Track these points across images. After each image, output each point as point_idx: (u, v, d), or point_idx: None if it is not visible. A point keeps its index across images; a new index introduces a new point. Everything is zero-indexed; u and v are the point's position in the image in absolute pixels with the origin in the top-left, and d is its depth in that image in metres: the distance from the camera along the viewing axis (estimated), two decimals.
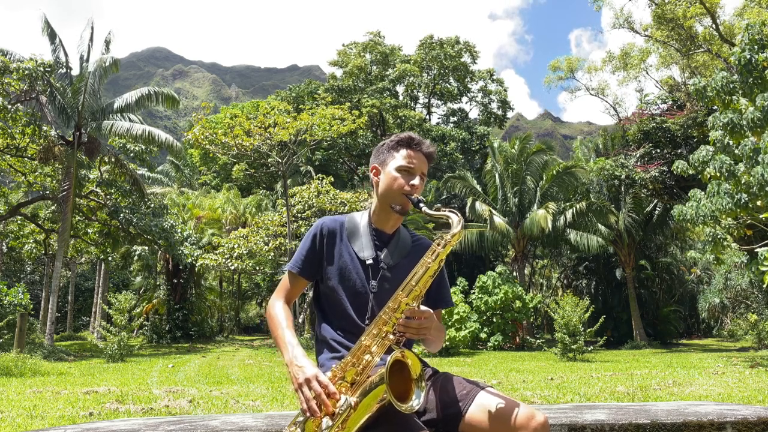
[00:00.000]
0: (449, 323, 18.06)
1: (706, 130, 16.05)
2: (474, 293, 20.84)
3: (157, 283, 27.22)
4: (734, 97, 11.02)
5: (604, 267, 27.01)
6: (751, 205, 10.55)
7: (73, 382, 8.67)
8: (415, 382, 1.54)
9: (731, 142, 10.89)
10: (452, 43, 36.64)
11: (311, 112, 20.62)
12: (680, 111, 23.16)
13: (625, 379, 8.49)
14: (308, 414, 1.55)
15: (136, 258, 27.59)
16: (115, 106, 19.75)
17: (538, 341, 21.57)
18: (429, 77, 37.55)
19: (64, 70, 19.24)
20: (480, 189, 24.98)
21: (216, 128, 21.83)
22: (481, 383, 1.75)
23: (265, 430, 2.14)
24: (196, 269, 24.21)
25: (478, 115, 39.08)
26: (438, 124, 38.04)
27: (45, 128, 17.99)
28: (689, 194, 12.20)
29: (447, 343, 16.90)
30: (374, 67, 37.16)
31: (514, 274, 22.92)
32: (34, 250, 25.06)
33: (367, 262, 1.85)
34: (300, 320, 21.52)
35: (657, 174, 21.87)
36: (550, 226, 21.99)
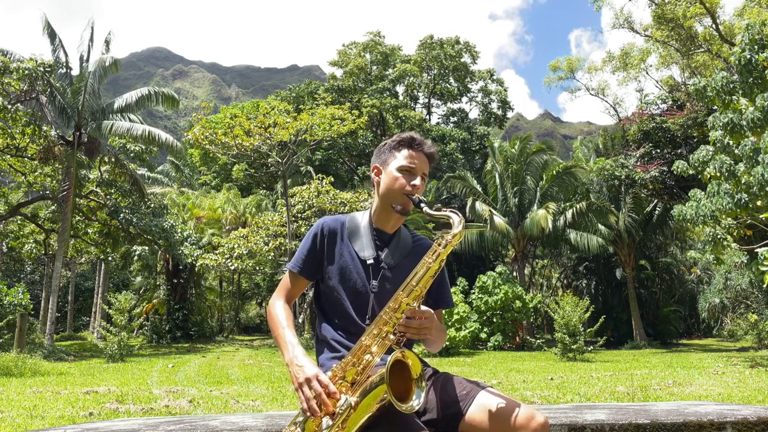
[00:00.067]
0: (449, 323, 18.07)
1: (706, 130, 16.06)
2: (474, 293, 20.84)
3: (157, 283, 27.22)
4: (734, 97, 11.01)
5: (604, 267, 27.01)
6: (751, 205, 10.55)
7: (73, 382, 8.67)
8: (415, 382, 1.54)
9: (731, 142, 10.89)
10: (452, 43, 36.64)
11: (311, 112, 20.62)
12: (680, 111, 23.15)
13: (625, 379, 8.49)
14: (308, 414, 1.55)
15: (136, 258, 27.59)
16: (115, 106, 19.74)
17: (538, 341, 21.57)
18: (429, 77, 37.55)
19: (64, 70, 19.24)
20: (480, 189, 24.98)
21: (216, 128, 21.84)
22: (482, 383, 1.75)
23: (265, 430, 2.13)
24: (196, 269, 24.21)
25: (478, 115, 39.09)
26: (438, 124, 38.03)
27: (45, 128, 17.99)
28: (689, 194, 12.20)
29: (447, 343, 16.89)
30: (374, 67, 37.16)
31: (514, 274, 22.92)
32: (34, 250, 25.06)
33: (368, 261, 1.85)
34: (300, 320, 21.50)
35: (657, 174, 21.87)
36: (550, 226, 21.99)
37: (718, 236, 11.59)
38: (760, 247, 12.21)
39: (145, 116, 35.84)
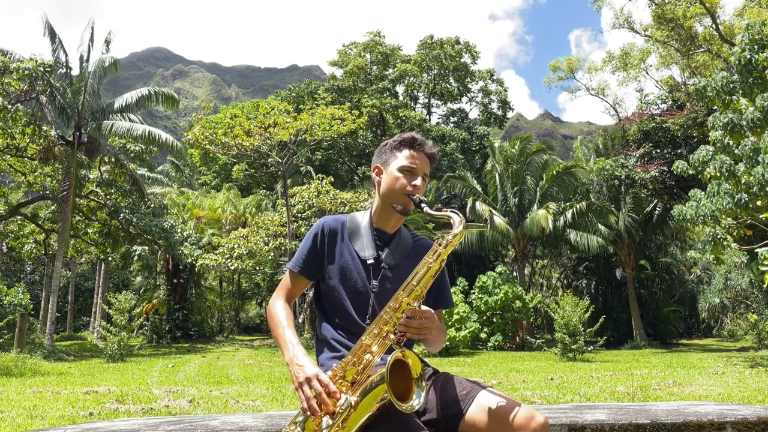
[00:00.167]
0: (449, 323, 18.06)
1: (706, 130, 16.06)
2: (474, 293, 20.84)
3: (157, 283, 27.22)
4: (734, 97, 11.01)
5: (604, 267, 27.01)
6: (751, 205, 10.55)
7: (73, 382, 8.67)
8: (415, 382, 1.54)
9: (731, 142, 10.89)
10: (452, 44, 36.64)
11: (311, 112, 20.62)
12: (680, 111, 23.15)
13: (625, 379, 8.50)
14: (308, 413, 1.55)
15: (136, 258, 27.59)
16: (116, 106, 19.75)
17: (538, 341, 21.57)
18: (429, 77, 37.55)
19: (64, 70, 19.24)
20: (480, 189, 24.98)
21: (216, 128, 21.84)
22: (482, 383, 1.75)
23: (265, 430, 2.14)
24: (196, 269, 24.21)
25: (478, 115, 39.08)
26: (438, 124, 38.04)
27: (45, 128, 17.99)
28: (689, 194, 12.20)
29: (447, 343, 16.89)
30: (374, 67, 37.16)
31: (514, 274, 22.92)
32: (34, 250, 25.06)
33: (368, 261, 1.86)
34: (300, 320, 21.50)
35: (657, 174, 21.87)
36: (550, 226, 21.99)
37: (718, 236, 11.59)
38: (760, 247, 12.21)
39: (145, 116, 35.84)
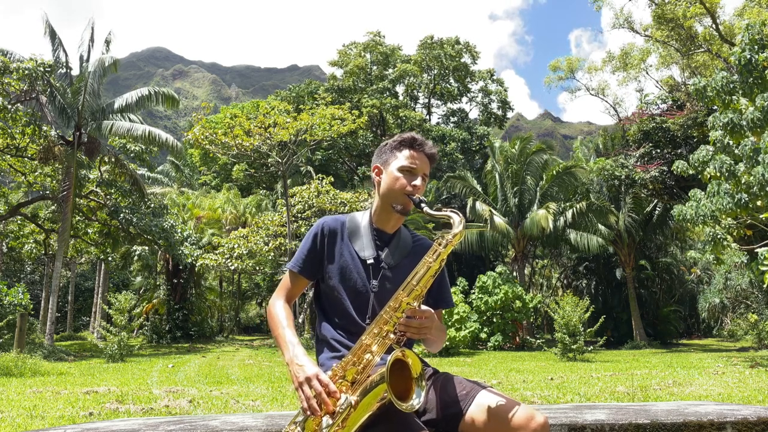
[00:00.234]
0: (449, 323, 18.06)
1: (706, 130, 16.05)
2: (474, 293, 20.83)
3: (157, 283, 27.22)
4: (734, 97, 11.01)
5: (604, 267, 27.01)
6: (751, 205, 10.55)
7: (73, 382, 8.67)
8: (415, 381, 1.54)
9: (731, 142, 10.89)
10: (452, 44, 36.64)
11: (311, 112, 20.62)
12: (680, 111, 23.15)
13: (625, 379, 8.50)
14: (308, 413, 1.55)
15: (136, 258, 27.59)
16: (116, 106, 19.75)
17: (538, 341, 21.57)
18: (429, 77, 37.55)
19: (64, 70, 19.24)
20: (480, 189, 24.98)
21: (216, 128, 21.84)
22: (482, 383, 1.75)
23: (265, 430, 2.14)
24: (196, 269, 24.21)
25: (478, 115, 39.09)
26: (438, 124, 38.04)
27: (45, 128, 17.99)
28: (689, 194, 12.20)
29: (447, 343, 16.89)
30: (374, 67, 37.16)
31: (514, 274, 22.92)
32: (34, 250, 25.06)
33: (368, 261, 1.86)
34: (300, 320, 21.50)
35: (657, 174, 21.87)
36: (551, 226, 21.99)
37: (718, 236, 11.59)
38: (760, 247, 12.21)
39: (145, 116, 35.84)
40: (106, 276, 28.78)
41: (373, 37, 37.50)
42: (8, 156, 19.61)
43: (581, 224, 23.30)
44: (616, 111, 31.73)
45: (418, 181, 1.84)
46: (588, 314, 15.05)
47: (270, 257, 21.63)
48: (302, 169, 30.06)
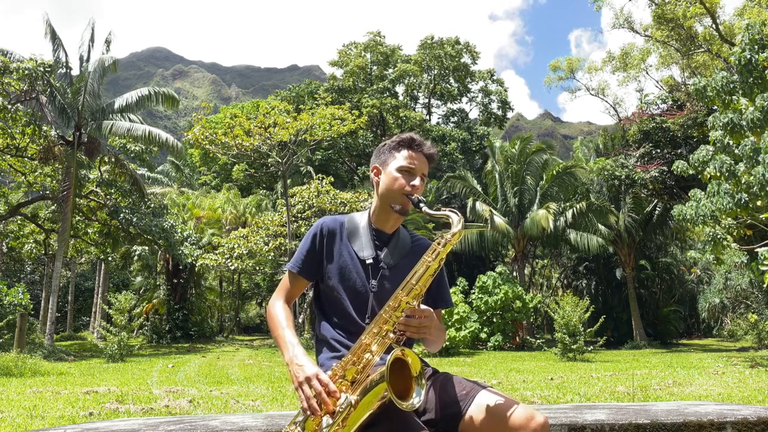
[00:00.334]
0: (449, 323, 18.06)
1: (706, 130, 16.05)
2: (474, 293, 20.83)
3: (157, 283, 27.22)
4: (734, 97, 11.01)
5: (604, 267, 27.00)
6: (751, 205, 10.55)
7: (73, 382, 8.67)
8: (415, 380, 1.54)
9: (731, 142, 10.89)
10: (452, 44, 36.64)
11: (311, 112, 20.62)
12: (680, 111, 23.15)
13: (625, 379, 8.49)
14: (308, 413, 1.55)
15: (136, 258, 27.59)
16: (116, 106, 19.75)
17: (538, 341, 21.57)
18: (429, 77, 37.55)
19: (64, 70, 19.25)
20: (480, 189, 24.98)
21: (216, 128, 21.84)
22: (481, 383, 1.75)
23: (265, 430, 2.14)
24: (196, 269, 24.21)
25: (478, 115, 39.09)
26: (438, 124, 38.04)
27: (45, 128, 18.00)
28: (689, 194, 12.20)
29: (447, 343, 16.88)
30: (374, 67, 37.16)
31: (514, 274, 22.92)
32: (34, 250, 25.06)
33: (367, 261, 1.86)
34: (300, 320, 21.51)
35: (657, 174, 21.87)
36: (551, 226, 21.99)
37: (718, 236, 11.58)
38: (760, 247, 12.21)
39: (145, 116, 35.83)
40: (106, 276, 28.78)
41: (373, 37, 37.50)
42: (8, 156, 19.61)
43: (581, 224, 23.30)
44: (616, 111, 31.74)
45: (416, 181, 1.84)
46: (588, 314, 15.05)
47: (270, 257, 21.63)
48: (302, 169, 30.07)
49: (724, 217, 11.36)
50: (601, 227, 22.77)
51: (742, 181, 10.42)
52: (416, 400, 1.51)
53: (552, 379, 8.96)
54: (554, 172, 23.43)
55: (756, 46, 10.70)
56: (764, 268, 11.39)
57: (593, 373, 9.80)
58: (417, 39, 47.69)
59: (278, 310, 1.86)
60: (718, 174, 10.82)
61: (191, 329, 25.20)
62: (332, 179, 23.05)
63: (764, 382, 7.69)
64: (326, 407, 1.53)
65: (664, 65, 27.97)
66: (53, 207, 21.55)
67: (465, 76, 37.45)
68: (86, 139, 18.78)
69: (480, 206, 23.20)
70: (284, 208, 21.27)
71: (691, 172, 11.82)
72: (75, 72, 19.86)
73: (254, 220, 24.71)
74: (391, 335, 1.61)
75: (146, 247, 25.37)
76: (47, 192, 20.85)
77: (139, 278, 31.53)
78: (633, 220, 23.15)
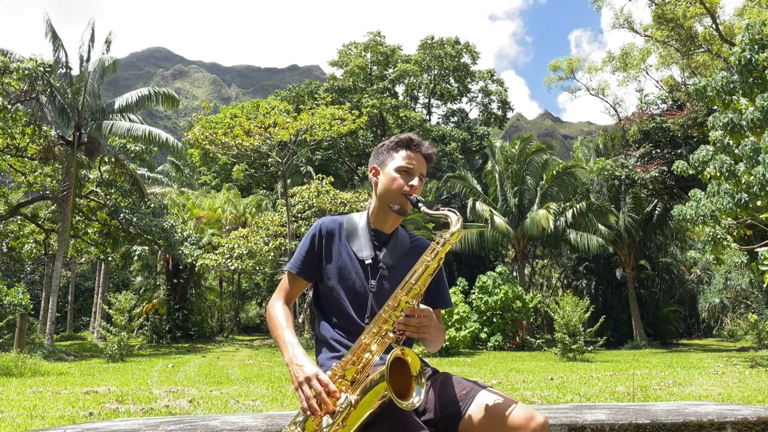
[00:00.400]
0: (449, 323, 18.06)
1: (706, 130, 16.05)
2: (474, 293, 20.83)
3: (157, 283, 27.22)
4: (734, 97, 11.01)
5: (604, 267, 27.00)
6: (751, 205, 10.55)
7: (73, 382, 8.67)
8: (415, 379, 1.54)
9: (731, 142, 10.89)
10: (452, 44, 36.64)
11: (311, 112, 20.62)
12: (680, 111, 23.14)
13: (625, 379, 8.49)
14: (308, 413, 1.55)
15: (136, 258, 27.59)
16: (116, 106, 19.75)
17: (538, 341, 21.56)
18: (429, 77, 37.55)
19: (64, 70, 19.25)
20: (480, 189, 24.98)
21: (216, 128, 21.84)
22: (481, 383, 1.75)
23: (265, 430, 2.14)
24: (196, 269, 24.21)
25: (478, 115, 39.09)
26: (438, 124, 38.04)
27: (45, 128, 17.99)
28: (689, 194, 12.20)
29: (447, 343, 16.89)
30: (374, 67, 37.16)
31: (514, 274, 22.92)
32: (34, 250, 25.06)
33: (366, 261, 1.86)
34: (300, 320, 21.51)
35: (657, 174, 21.87)
36: (551, 226, 21.99)
37: (718, 236, 11.58)
38: (760, 247, 12.21)
39: (145, 116, 35.84)
40: (106, 276, 28.78)
41: (373, 37, 37.50)
42: (8, 156, 19.61)
43: (581, 224, 23.30)
44: (616, 111, 31.73)
45: (415, 181, 1.85)
46: (588, 314, 15.05)
47: (270, 257, 21.63)
48: (302, 169, 30.06)
49: (724, 217, 11.36)
50: (601, 227, 22.77)
51: (742, 181, 10.42)
52: (416, 399, 1.51)
53: (552, 379, 8.96)
54: (554, 172, 23.43)
55: (756, 46, 10.70)
56: (764, 268, 11.39)
57: (593, 373, 9.80)
58: (417, 39, 47.68)
59: (278, 310, 1.87)
60: (718, 174, 10.82)
61: (191, 329, 25.20)
62: (332, 179, 23.05)
63: (764, 382, 7.69)
64: (326, 407, 1.53)
65: (664, 65, 27.98)
66: (53, 207, 21.55)
67: (465, 76, 37.45)
68: (86, 139, 18.78)
69: (480, 206, 23.20)
70: (284, 208, 21.27)
71: (691, 172, 11.82)
72: (75, 72, 19.87)
73: (254, 220, 24.71)
74: (391, 335, 1.61)
75: (146, 247, 25.38)
76: (47, 192, 20.85)
77: (139, 278, 31.53)
78: (633, 220, 23.15)
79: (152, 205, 20.85)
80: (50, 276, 22.37)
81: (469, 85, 38.22)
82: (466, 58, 37.26)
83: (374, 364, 1.60)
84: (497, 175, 24.07)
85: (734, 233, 11.93)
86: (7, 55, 17.35)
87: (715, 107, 12.00)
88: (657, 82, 29.80)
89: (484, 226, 23.17)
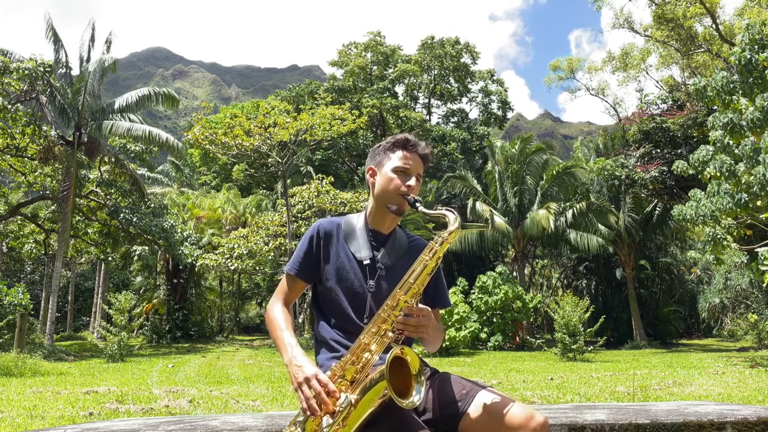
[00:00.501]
0: (449, 323, 18.06)
1: (706, 130, 16.04)
2: (474, 293, 20.83)
3: (157, 283, 27.22)
4: (734, 97, 11.01)
5: (604, 267, 27.00)
6: (751, 205, 10.55)
7: (73, 382, 8.67)
8: (414, 378, 1.55)
9: (731, 142, 10.89)
10: (452, 44, 36.63)
11: (311, 112, 20.62)
12: (680, 111, 23.14)
13: (625, 379, 8.49)
14: (308, 413, 1.55)
15: (136, 258, 27.59)
16: (116, 106, 19.75)
17: (538, 341, 21.56)
18: (429, 77, 37.54)
19: (64, 70, 19.25)
20: (480, 189, 24.98)
21: (216, 128, 21.84)
22: (481, 383, 1.75)
23: (265, 430, 2.14)
24: (196, 269, 24.21)
25: (478, 115, 39.08)
26: (438, 124, 38.04)
27: (45, 128, 17.99)
28: (689, 194, 12.19)
29: (447, 343, 16.89)
30: (374, 67, 37.15)
31: (514, 274, 22.92)
32: (34, 250, 25.06)
33: (365, 262, 1.86)
34: (300, 320, 21.52)
35: (657, 174, 21.86)
36: (551, 226, 21.99)
37: (718, 236, 11.58)
38: (760, 247, 12.21)
39: (145, 116, 35.83)
40: (106, 276, 28.78)
41: (373, 37, 37.49)
42: (8, 156, 19.61)
43: (581, 224, 23.30)
44: (616, 111, 31.73)
45: (412, 182, 1.85)
46: (588, 314, 15.05)
47: (270, 257, 21.63)
48: (302, 169, 30.06)
49: (724, 217, 11.36)
50: (601, 227, 22.77)
51: (742, 181, 10.42)
52: (416, 398, 1.51)
53: (552, 379, 8.96)
54: (554, 172, 23.43)
55: (756, 46, 10.70)
56: (764, 268, 11.39)
57: (593, 373, 9.80)
58: (417, 39, 47.72)
59: (277, 312, 1.87)
60: (718, 174, 10.81)
61: (191, 329, 25.20)
62: (332, 179, 23.05)
63: (764, 382, 7.68)
64: (326, 407, 1.53)
65: (664, 65, 27.98)
66: (53, 207, 21.55)
67: (465, 76, 37.44)
68: (86, 139, 18.77)
69: (480, 206, 23.20)
70: (284, 208, 21.27)
71: (691, 172, 11.82)
72: (75, 72, 19.87)
73: (254, 220, 24.71)
74: (390, 334, 1.61)
75: (146, 247, 25.38)
76: (47, 192, 20.85)
77: (139, 278, 31.54)
78: (633, 220, 23.15)
79: (152, 205, 20.85)
80: (50, 276, 22.37)
81: (469, 85, 38.21)
82: (466, 58, 37.26)
83: (374, 363, 1.60)
84: (497, 175, 24.07)
85: (734, 233, 11.93)
86: (7, 55, 17.34)
87: (715, 107, 12.00)
88: (657, 82, 29.81)
89: (484, 226, 23.17)
